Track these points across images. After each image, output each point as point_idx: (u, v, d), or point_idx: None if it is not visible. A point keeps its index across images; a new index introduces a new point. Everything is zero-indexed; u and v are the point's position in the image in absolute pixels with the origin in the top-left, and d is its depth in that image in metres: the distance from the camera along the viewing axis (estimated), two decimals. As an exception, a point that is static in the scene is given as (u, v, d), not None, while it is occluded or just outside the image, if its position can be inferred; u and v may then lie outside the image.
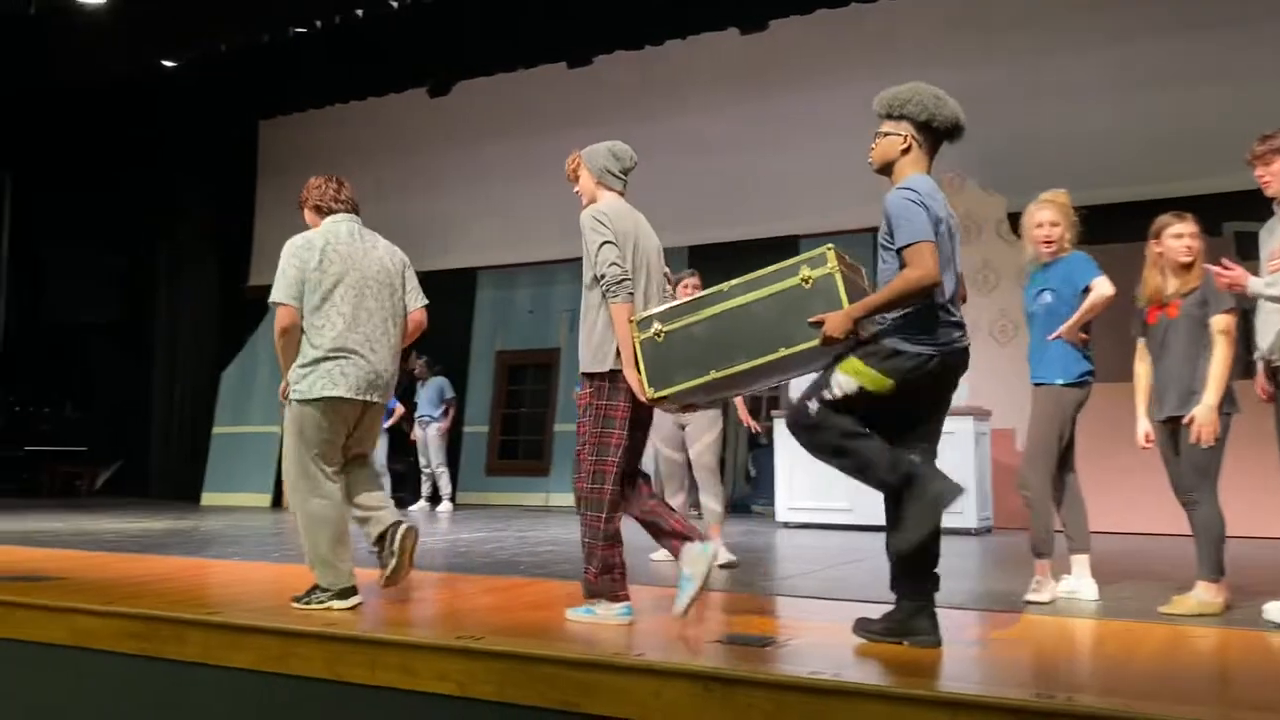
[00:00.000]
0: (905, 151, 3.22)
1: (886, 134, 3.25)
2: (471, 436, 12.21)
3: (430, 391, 10.88)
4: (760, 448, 10.27)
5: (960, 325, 3.20)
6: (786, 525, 8.27)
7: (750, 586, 4.91)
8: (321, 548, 3.88)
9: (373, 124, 12.48)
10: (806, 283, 3.19)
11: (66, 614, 3.88)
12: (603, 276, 3.58)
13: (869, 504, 7.75)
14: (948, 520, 7.84)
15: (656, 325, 3.50)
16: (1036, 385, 4.39)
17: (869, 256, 9.66)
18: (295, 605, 3.85)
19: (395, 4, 9.33)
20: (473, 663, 3.07)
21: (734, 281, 3.40)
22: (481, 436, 12.27)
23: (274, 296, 3.92)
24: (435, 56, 11.01)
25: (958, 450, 7.68)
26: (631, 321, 3.55)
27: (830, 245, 3.23)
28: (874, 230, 9.93)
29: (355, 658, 3.24)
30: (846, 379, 3.10)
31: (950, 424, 7.49)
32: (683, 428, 5.95)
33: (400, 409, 11.04)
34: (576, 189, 3.89)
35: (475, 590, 4.57)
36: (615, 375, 3.61)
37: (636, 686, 2.80)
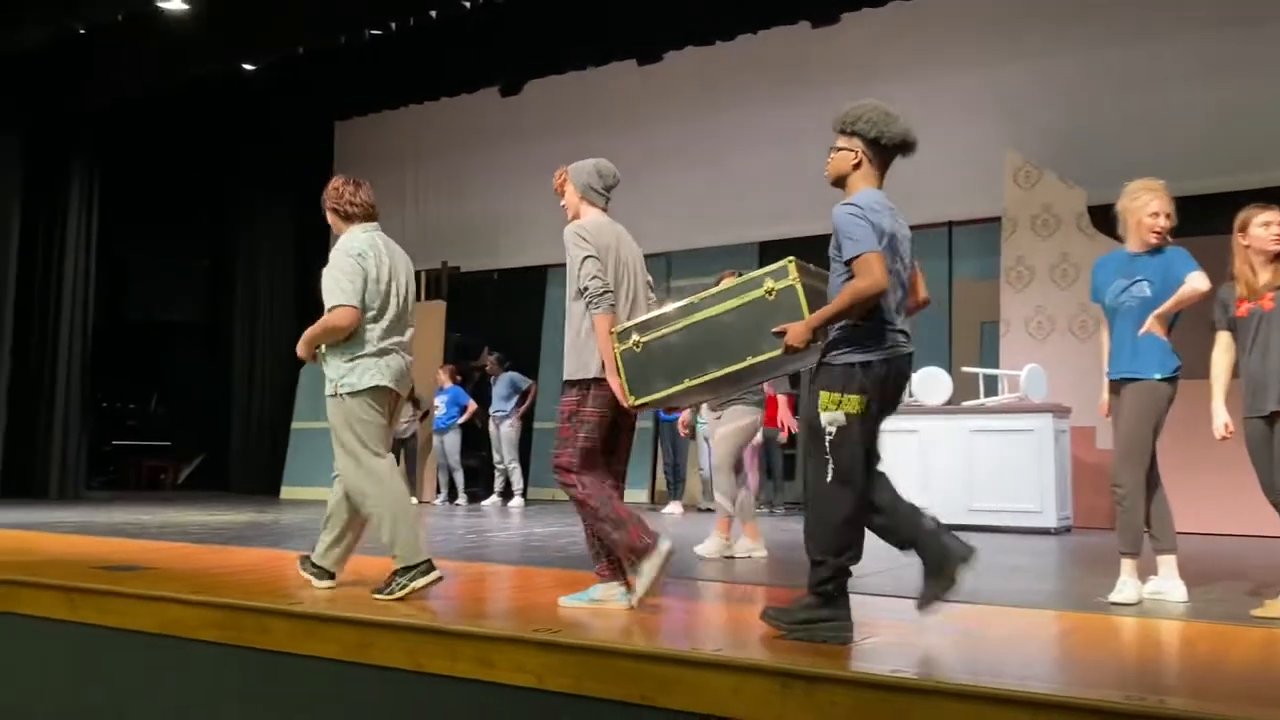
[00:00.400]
0: (856, 166, 3.34)
1: (840, 149, 3.38)
2: (543, 433, 12.30)
3: (502, 387, 10.98)
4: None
5: (904, 333, 3.31)
6: (859, 523, 8.18)
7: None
8: (399, 528, 4.02)
9: (445, 123, 12.65)
10: (770, 295, 3.37)
11: (156, 603, 4.00)
12: (585, 289, 3.77)
13: (940, 504, 7.71)
14: (1025, 520, 7.71)
15: (635, 336, 3.68)
16: (1128, 381, 4.24)
17: (944, 248, 9.58)
18: (376, 597, 3.93)
19: (467, 4, 9.43)
20: (550, 655, 3.09)
21: (704, 294, 3.61)
22: (553, 433, 12.34)
23: (341, 299, 4.09)
24: (507, 56, 11.11)
25: (1036, 448, 7.55)
26: (612, 333, 3.73)
27: (791, 258, 3.36)
28: (947, 224, 9.78)
29: (434, 649, 3.29)
30: (830, 416, 3.22)
31: (1029, 421, 7.57)
32: (719, 417, 5.94)
33: (473, 405, 11.17)
34: (563, 203, 4.11)
35: (550, 584, 4.60)
36: (598, 383, 3.80)
37: (715, 682, 2.80)
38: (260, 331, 13.36)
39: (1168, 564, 4.27)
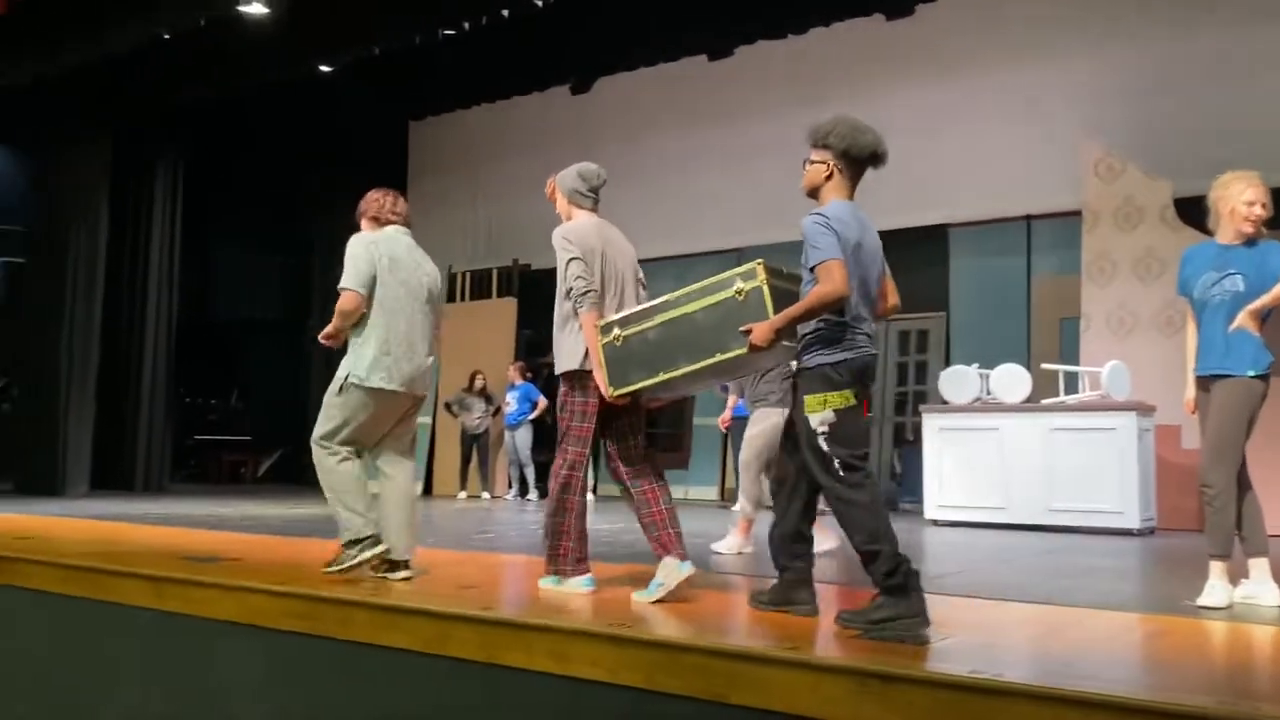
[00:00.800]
0: (828, 178, 3.53)
1: (813, 162, 3.55)
2: (613, 429, 12.35)
3: (573, 384, 11.01)
4: (907, 444, 10.06)
5: (869, 335, 3.45)
6: (935, 523, 8.07)
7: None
8: (348, 502, 4.33)
9: (517, 121, 12.74)
10: (740, 295, 3.52)
11: (239, 593, 4.09)
12: (571, 289, 4.03)
13: (1022, 502, 7.58)
14: (1107, 521, 7.52)
15: (616, 330, 3.86)
16: (1219, 377, 4.10)
17: (1023, 243, 9.38)
18: (326, 571, 4.22)
19: (539, 3, 9.49)
20: (623, 650, 3.09)
21: (679, 291, 3.74)
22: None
23: (346, 283, 4.34)
24: (577, 54, 11.16)
25: (1119, 447, 7.36)
26: (597, 327, 3.92)
27: (760, 260, 3.51)
28: (1025, 218, 9.53)
29: (510, 642, 3.31)
30: (820, 416, 3.33)
31: (1111, 419, 7.40)
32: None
33: (544, 402, 11.25)
34: (557, 210, 4.36)
35: (621, 578, 4.60)
36: (583, 374, 4.01)
37: (790, 680, 2.77)
38: (336, 329, 13.58)
39: (1260, 567, 4.13)
